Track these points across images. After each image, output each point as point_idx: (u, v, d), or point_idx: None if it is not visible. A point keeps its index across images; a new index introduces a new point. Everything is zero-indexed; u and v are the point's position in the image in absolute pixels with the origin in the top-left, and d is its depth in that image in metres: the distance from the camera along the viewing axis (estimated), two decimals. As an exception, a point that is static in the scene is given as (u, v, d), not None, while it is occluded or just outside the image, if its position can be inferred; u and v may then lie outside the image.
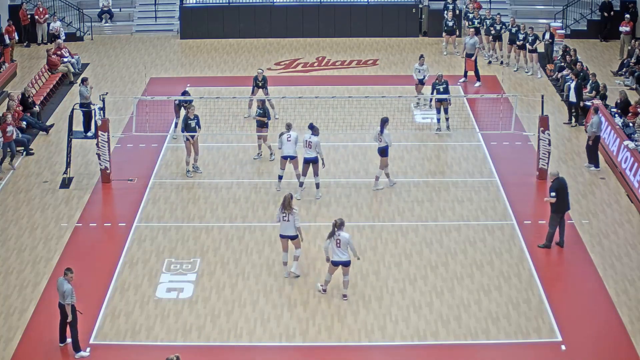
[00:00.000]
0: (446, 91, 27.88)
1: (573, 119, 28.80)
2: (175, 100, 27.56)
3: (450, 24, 36.08)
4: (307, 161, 23.69)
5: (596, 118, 25.44)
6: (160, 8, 40.18)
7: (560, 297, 19.58)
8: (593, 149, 25.54)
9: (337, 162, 26.13)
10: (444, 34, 36.45)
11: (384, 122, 24.20)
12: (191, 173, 25.48)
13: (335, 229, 19.02)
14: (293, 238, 20.34)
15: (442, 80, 28.09)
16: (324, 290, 19.56)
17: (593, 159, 25.64)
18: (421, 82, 30.03)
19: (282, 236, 20.42)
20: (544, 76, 33.29)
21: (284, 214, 20.04)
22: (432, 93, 28.08)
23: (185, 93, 28.00)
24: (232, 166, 26.14)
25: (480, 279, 20.32)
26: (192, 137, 25.12)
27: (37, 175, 25.76)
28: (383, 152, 24.16)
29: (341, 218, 19.32)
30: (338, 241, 19.00)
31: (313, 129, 23.68)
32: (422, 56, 30.34)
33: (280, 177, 24.25)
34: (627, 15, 35.50)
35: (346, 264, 19.17)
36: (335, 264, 19.21)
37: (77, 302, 17.93)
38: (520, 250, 21.56)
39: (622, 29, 35.21)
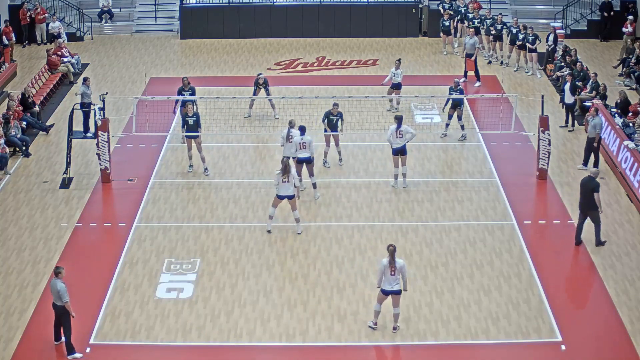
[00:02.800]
0: (461, 99, 27.56)
1: (570, 122, 28.61)
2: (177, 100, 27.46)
3: (447, 24, 36.07)
4: (300, 161, 23.76)
5: (598, 119, 25.36)
6: (160, 8, 40.20)
7: (560, 297, 19.59)
8: (597, 150, 25.42)
9: (337, 162, 26.11)
10: (441, 33, 36.46)
11: (401, 119, 24.24)
12: (192, 168, 25.53)
13: (393, 261, 18.10)
14: (290, 198, 21.77)
15: (458, 88, 27.71)
16: (375, 324, 18.52)
17: (589, 159, 25.50)
18: (396, 87, 29.43)
19: (279, 197, 21.78)
20: (544, 76, 33.29)
21: (284, 177, 21.51)
22: (447, 99, 27.84)
23: (184, 81, 27.41)
24: (232, 166, 26.15)
25: (480, 279, 20.32)
26: (193, 137, 25.12)
27: (37, 175, 25.77)
28: (403, 150, 24.16)
29: (393, 244, 18.43)
30: (393, 269, 18.08)
31: (303, 129, 23.79)
32: (399, 60, 29.91)
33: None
34: (631, 17, 35.43)
35: (397, 292, 18.21)
36: (386, 293, 18.25)
37: (75, 302, 17.95)
38: (520, 250, 21.56)
39: (625, 29, 35.07)
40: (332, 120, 25.45)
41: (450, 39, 36.35)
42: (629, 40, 34.68)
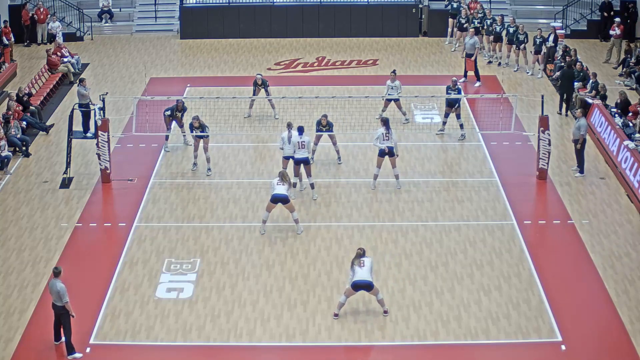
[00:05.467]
0: (459, 97, 27.41)
1: (563, 110, 29.58)
2: (165, 111, 27.20)
3: (463, 21, 35.88)
4: (298, 162, 23.76)
5: (583, 121, 25.23)
6: (160, 8, 40.18)
7: (560, 297, 19.58)
8: (580, 152, 25.31)
9: (336, 161, 26.11)
10: (456, 31, 36.20)
11: (388, 121, 24.23)
12: (196, 167, 25.54)
13: (360, 258, 18.54)
14: (286, 202, 21.58)
15: (456, 87, 27.43)
16: (336, 315, 18.83)
17: (582, 163, 25.47)
18: (393, 100, 28.48)
19: (273, 199, 21.62)
20: (544, 76, 33.28)
21: (282, 182, 21.54)
22: (446, 99, 27.71)
23: (178, 102, 27.01)
24: (232, 166, 26.15)
25: (480, 279, 20.32)
26: (202, 137, 25.12)
27: (37, 175, 25.77)
28: (391, 152, 24.14)
29: (362, 247, 18.94)
30: (362, 262, 18.46)
31: (301, 129, 23.80)
32: (394, 71, 28.82)
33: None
34: (618, 19, 35.37)
35: (369, 286, 18.47)
36: (356, 285, 18.46)
37: (75, 302, 17.94)
38: (520, 250, 21.57)
39: (612, 32, 34.93)
40: (321, 130, 25.53)
41: (463, 34, 35.79)
42: (616, 42, 34.58)
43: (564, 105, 29.66)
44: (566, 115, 29.43)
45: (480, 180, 25.17)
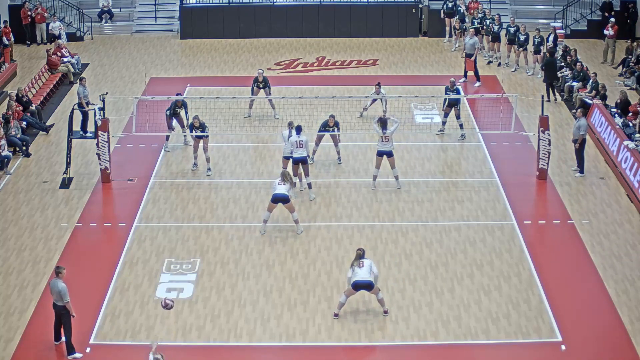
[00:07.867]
0: (458, 98, 27.36)
1: (551, 96, 30.53)
2: (166, 112, 27.21)
3: (457, 26, 35.97)
4: (297, 161, 23.77)
5: (583, 121, 25.23)
6: (160, 8, 40.20)
7: (560, 297, 19.58)
8: (580, 152, 25.31)
9: (336, 161, 26.11)
10: (455, 31, 36.29)
11: (386, 121, 24.22)
12: (196, 167, 25.53)
13: (360, 259, 18.55)
14: (286, 201, 21.64)
15: (455, 87, 27.46)
16: (336, 315, 18.84)
17: (581, 163, 25.46)
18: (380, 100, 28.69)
19: (276, 198, 21.65)
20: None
21: (284, 182, 21.60)
22: (444, 99, 27.71)
23: (178, 100, 26.98)
24: (232, 166, 26.15)
25: (480, 279, 20.33)
26: (201, 137, 25.13)
27: (37, 175, 25.77)
28: (389, 153, 24.12)
29: (362, 248, 18.97)
30: (361, 263, 18.46)
31: (299, 129, 23.82)
32: (378, 84, 28.57)
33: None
34: (612, 19, 35.35)
35: (370, 286, 18.45)
36: (357, 285, 18.45)
37: (75, 302, 17.94)
38: (520, 250, 21.57)
39: (607, 32, 34.90)
40: (328, 131, 25.55)
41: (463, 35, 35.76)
42: (610, 42, 34.57)
43: (551, 93, 30.51)
44: (555, 101, 30.32)
45: (480, 180, 25.17)
